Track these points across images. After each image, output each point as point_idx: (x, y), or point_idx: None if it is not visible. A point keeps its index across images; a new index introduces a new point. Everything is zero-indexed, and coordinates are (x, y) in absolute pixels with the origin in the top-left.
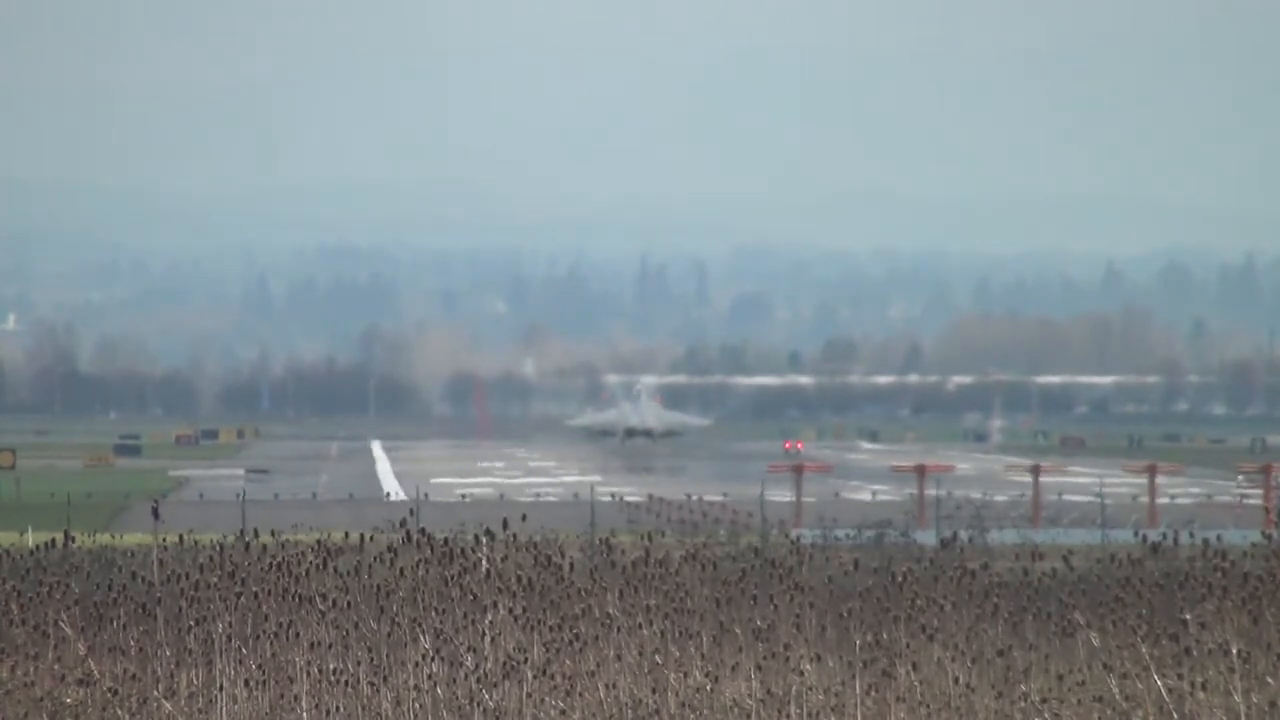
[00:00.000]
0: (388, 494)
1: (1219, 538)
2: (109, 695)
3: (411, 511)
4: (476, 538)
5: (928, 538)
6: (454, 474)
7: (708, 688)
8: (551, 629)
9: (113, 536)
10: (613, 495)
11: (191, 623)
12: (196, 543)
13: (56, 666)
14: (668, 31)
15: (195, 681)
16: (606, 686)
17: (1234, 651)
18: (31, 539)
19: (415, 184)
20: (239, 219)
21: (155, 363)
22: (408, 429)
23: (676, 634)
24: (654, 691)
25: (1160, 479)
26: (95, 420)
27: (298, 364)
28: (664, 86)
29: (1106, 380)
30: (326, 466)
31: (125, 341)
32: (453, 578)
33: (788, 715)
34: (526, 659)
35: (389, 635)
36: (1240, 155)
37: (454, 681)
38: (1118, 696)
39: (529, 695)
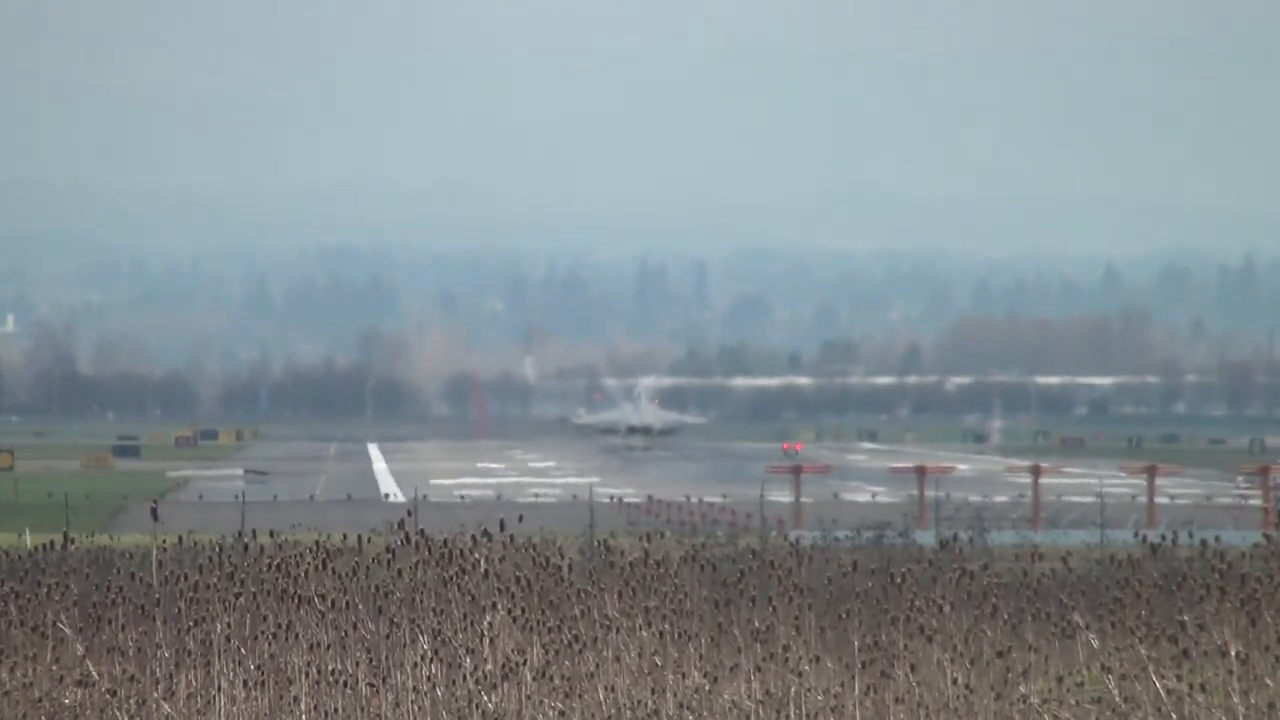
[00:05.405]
0: (386, 495)
1: (1218, 538)
2: (108, 696)
3: (410, 512)
4: (474, 538)
5: (927, 539)
6: (452, 475)
7: (706, 689)
8: (550, 630)
9: (111, 537)
10: (612, 496)
11: (190, 624)
12: (195, 544)
13: (55, 668)
14: (668, 32)
15: (194, 682)
16: (605, 688)
17: (1233, 653)
18: (30, 540)
19: (415, 184)
20: (239, 219)
21: (154, 364)
22: (406, 430)
23: (675, 635)
24: (653, 693)
25: (1159, 480)
26: (94, 421)
27: (297, 365)
28: (664, 87)
29: (1106, 381)
30: (325, 467)
31: (124, 343)
32: (451, 579)
33: (786, 716)
34: (525, 660)
35: (388, 636)
36: (1240, 156)
37: (453, 683)
38: (1117, 698)
39: (528, 697)
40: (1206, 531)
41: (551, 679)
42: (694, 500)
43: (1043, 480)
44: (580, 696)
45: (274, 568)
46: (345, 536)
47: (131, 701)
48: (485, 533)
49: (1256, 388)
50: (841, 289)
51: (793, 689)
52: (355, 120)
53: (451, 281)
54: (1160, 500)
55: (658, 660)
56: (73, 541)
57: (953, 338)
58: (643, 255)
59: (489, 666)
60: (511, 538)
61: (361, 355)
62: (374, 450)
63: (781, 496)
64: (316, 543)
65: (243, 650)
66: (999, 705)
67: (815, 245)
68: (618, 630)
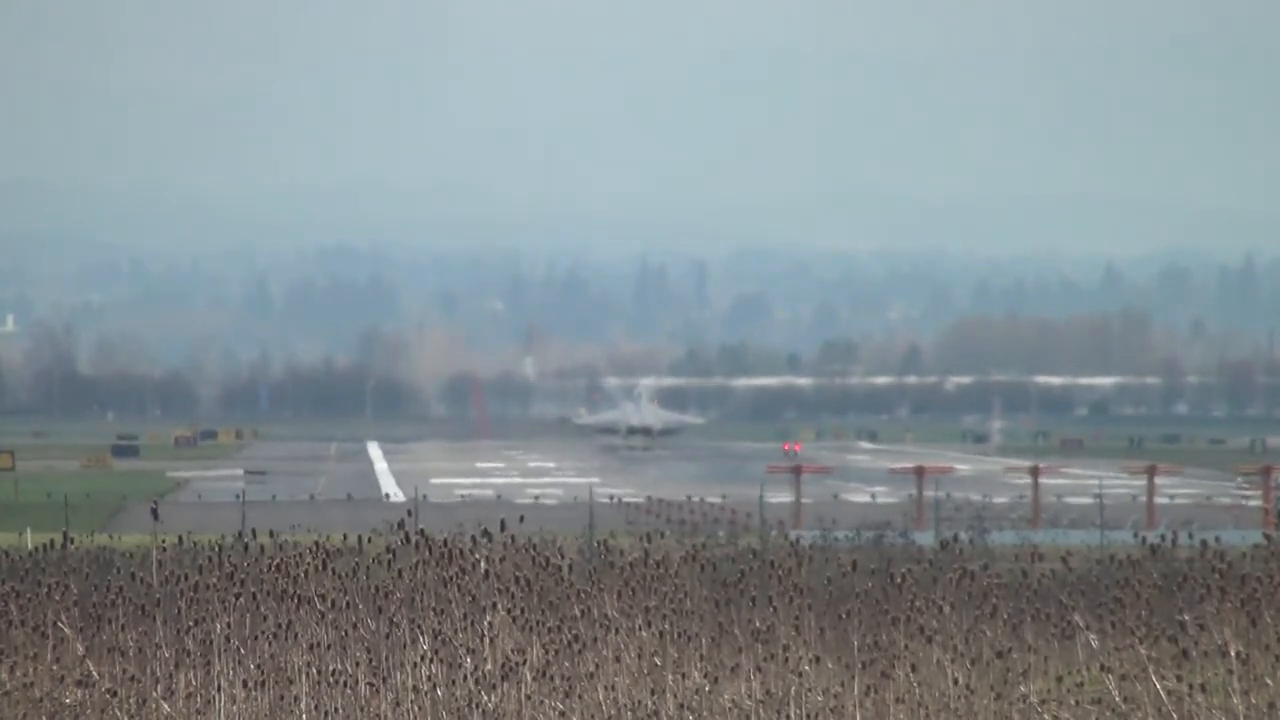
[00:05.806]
0: (386, 495)
1: (1218, 539)
2: (108, 696)
3: (410, 512)
4: (474, 539)
5: (927, 539)
6: (452, 475)
7: (707, 689)
8: (550, 630)
9: (111, 537)
10: (612, 496)
11: (190, 624)
12: (195, 544)
13: (55, 667)
14: (668, 32)
15: (194, 682)
16: (605, 688)
17: (1233, 653)
18: (30, 540)
19: (415, 184)
20: (239, 219)
21: (154, 364)
22: (406, 430)
23: (675, 635)
24: (653, 693)
25: (1159, 480)
26: (93, 421)
27: (296, 365)
28: (664, 87)
29: (1106, 381)
30: (325, 467)
31: (124, 343)
32: (451, 579)
33: (787, 716)
34: (525, 660)
35: (388, 636)
36: (1240, 155)
37: (453, 683)
38: (1116, 698)
39: (528, 697)
40: (1206, 532)
41: (551, 679)
42: (694, 500)
43: (1043, 480)
44: (580, 696)
45: (274, 568)
46: (345, 536)
47: (131, 701)
48: (485, 533)
49: (1256, 388)
50: (841, 289)
51: (793, 689)
52: (355, 120)
53: (451, 281)
54: (1160, 500)
55: (658, 660)
56: (73, 541)
57: (952, 338)
58: (643, 255)
59: (489, 666)
60: (512, 538)
61: (361, 355)
62: (374, 450)
63: (781, 496)
64: (316, 543)
65: (243, 650)
66: (999, 705)
67: (815, 245)
68: (618, 630)
